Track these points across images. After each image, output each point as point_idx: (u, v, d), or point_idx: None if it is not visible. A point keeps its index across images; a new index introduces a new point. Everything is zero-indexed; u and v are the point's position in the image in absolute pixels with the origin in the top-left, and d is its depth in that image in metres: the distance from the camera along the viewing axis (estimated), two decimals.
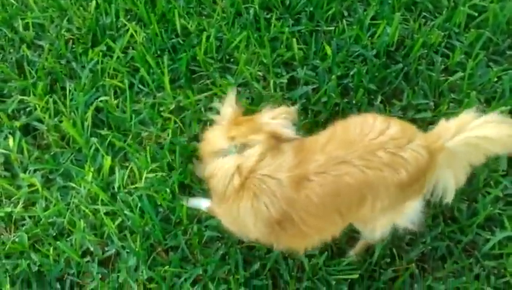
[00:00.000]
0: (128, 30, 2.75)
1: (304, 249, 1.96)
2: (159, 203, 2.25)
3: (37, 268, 2.13)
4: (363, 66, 2.54)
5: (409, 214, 1.88)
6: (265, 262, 2.09)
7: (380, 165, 1.66)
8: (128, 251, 2.16)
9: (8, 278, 2.09)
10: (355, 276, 2.06)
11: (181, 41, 2.73)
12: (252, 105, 2.47)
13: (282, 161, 1.72)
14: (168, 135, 2.43)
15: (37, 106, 2.56)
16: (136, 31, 2.73)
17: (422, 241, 2.15)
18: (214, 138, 1.83)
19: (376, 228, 1.91)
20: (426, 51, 2.60)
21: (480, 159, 1.81)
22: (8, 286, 2.05)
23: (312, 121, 2.41)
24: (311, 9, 2.75)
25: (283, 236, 1.79)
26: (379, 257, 2.10)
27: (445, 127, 1.78)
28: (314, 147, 1.74)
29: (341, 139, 1.72)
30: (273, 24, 2.70)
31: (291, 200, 1.68)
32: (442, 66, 2.56)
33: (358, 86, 2.46)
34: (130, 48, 2.74)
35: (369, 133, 1.70)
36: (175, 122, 2.45)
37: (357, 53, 2.59)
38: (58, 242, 2.15)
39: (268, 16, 2.76)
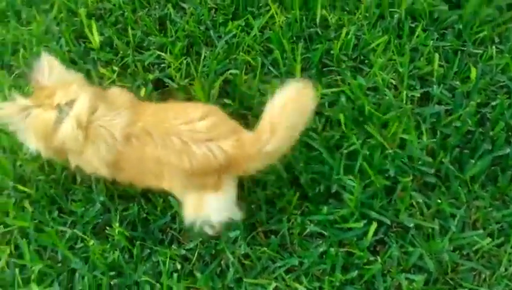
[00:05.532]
0: (269, 11, 2.78)
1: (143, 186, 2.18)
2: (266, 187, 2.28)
3: (144, 215, 2.23)
4: (507, 99, 2.39)
5: (213, 205, 2.00)
6: (363, 273, 2.06)
7: (170, 150, 1.86)
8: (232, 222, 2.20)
9: (117, 216, 2.22)
10: None
11: (319, 32, 2.72)
12: (377, 111, 2.42)
13: (118, 116, 1.95)
14: None
15: (171, 64, 2.66)
16: (276, 13, 2.76)
17: None
18: (38, 118, 1.95)
19: (189, 207, 2.05)
20: None
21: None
22: (117, 224, 2.17)
23: (439, 143, 2.32)
24: (460, 27, 2.63)
25: (120, 175, 2.08)
26: None
27: (259, 133, 1.87)
28: (144, 113, 1.97)
29: (161, 115, 1.95)
30: (416, 34, 2.61)
31: (119, 151, 1.94)
32: None
33: (498, 119, 2.32)
34: (268, 28, 2.78)
35: (179, 118, 1.89)
36: None
37: (501, 83, 2.45)
38: (169, 197, 2.24)
39: (412, 25, 2.68)
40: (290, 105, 1.85)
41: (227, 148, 1.86)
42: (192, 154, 1.85)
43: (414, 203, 2.24)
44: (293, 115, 1.86)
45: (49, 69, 2.02)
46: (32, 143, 2.05)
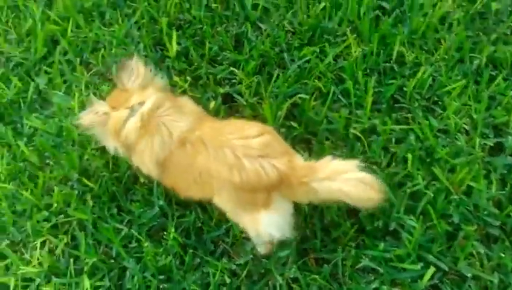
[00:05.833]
0: (345, 40, 2.79)
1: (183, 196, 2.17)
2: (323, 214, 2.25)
3: (199, 224, 2.25)
4: None
5: (265, 222, 1.96)
6: None
7: (221, 163, 1.86)
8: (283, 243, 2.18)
9: (174, 222, 2.24)
10: None
11: (394, 68, 2.70)
12: (446, 154, 2.35)
13: (182, 120, 2.01)
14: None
15: (242, 81, 2.70)
16: (353, 44, 2.76)
17: None
18: (113, 118, 2.05)
19: (245, 225, 2.07)
20: None
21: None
22: (172, 229, 2.19)
23: (507, 195, 2.23)
24: None
25: (165, 177, 2.10)
26: None
27: (314, 168, 1.88)
28: (206, 123, 2.03)
29: (218, 129, 1.97)
30: (496, 82, 2.55)
31: (171, 152, 1.98)
32: None
33: None
34: (342, 57, 2.78)
35: (235, 133, 1.91)
36: (357, 139, 2.44)
37: None
38: None
39: (493, 73, 2.61)
40: (359, 185, 1.83)
41: (279, 165, 1.85)
42: (244, 168, 1.85)
43: (474, 253, 2.15)
44: (355, 191, 1.83)
45: (135, 73, 2.11)
46: (111, 144, 2.14)
